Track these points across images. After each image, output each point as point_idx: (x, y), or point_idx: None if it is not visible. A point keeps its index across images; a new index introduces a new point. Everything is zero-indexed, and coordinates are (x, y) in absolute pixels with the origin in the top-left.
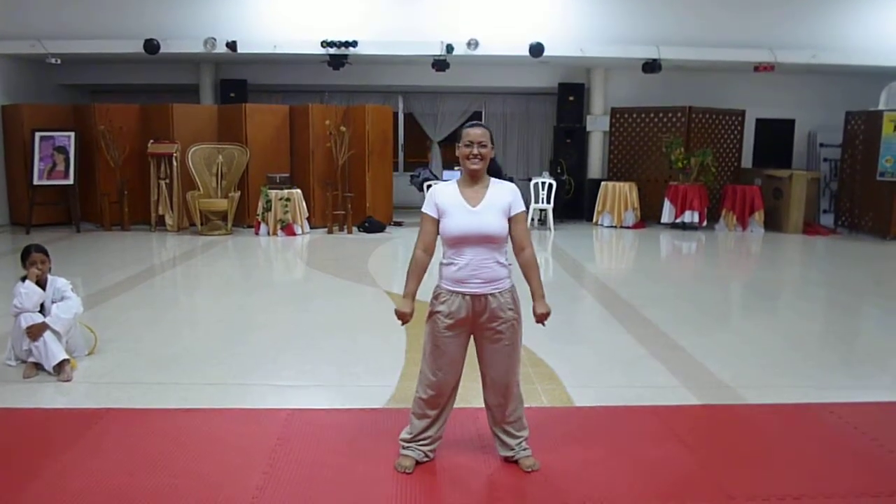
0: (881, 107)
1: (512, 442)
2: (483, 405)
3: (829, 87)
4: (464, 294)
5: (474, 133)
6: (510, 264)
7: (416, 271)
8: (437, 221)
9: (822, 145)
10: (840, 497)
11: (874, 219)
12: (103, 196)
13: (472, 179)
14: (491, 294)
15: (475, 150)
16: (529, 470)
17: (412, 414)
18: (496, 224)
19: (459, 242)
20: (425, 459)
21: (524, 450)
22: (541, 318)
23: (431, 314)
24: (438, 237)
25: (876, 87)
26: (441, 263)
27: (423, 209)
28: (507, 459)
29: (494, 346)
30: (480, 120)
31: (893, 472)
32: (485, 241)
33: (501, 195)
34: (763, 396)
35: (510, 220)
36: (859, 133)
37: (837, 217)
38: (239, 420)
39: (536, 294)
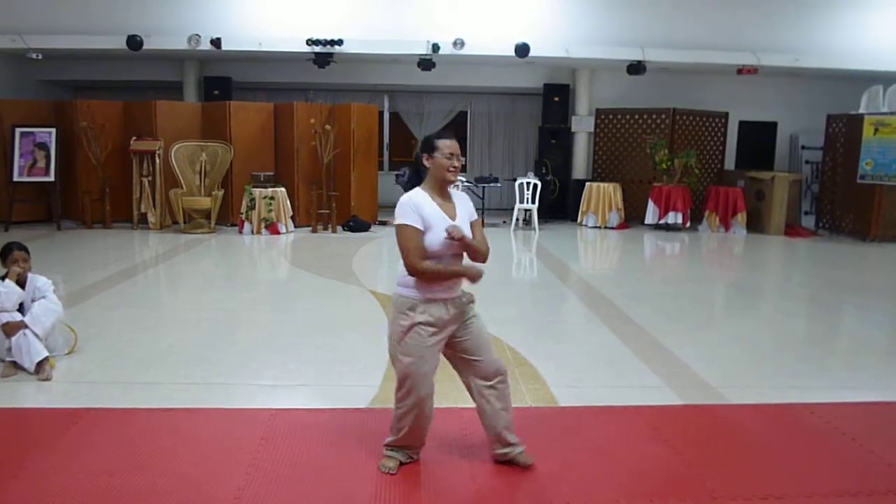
0: (862, 110)
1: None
2: (460, 407)
3: (811, 90)
4: (444, 300)
5: (454, 145)
6: None
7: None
8: (422, 232)
9: (803, 148)
10: (821, 496)
11: (855, 221)
12: (84, 193)
13: (444, 190)
14: (461, 293)
15: (455, 163)
16: (526, 465)
17: (396, 423)
18: (469, 234)
19: (442, 254)
20: (409, 461)
21: (520, 447)
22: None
23: (410, 328)
24: None
25: (857, 90)
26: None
27: (406, 221)
28: (500, 459)
29: (472, 328)
30: (466, 120)
31: (873, 471)
32: (461, 250)
33: (466, 205)
34: (745, 396)
35: (472, 225)
36: (840, 136)
37: (819, 219)
38: (222, 420)
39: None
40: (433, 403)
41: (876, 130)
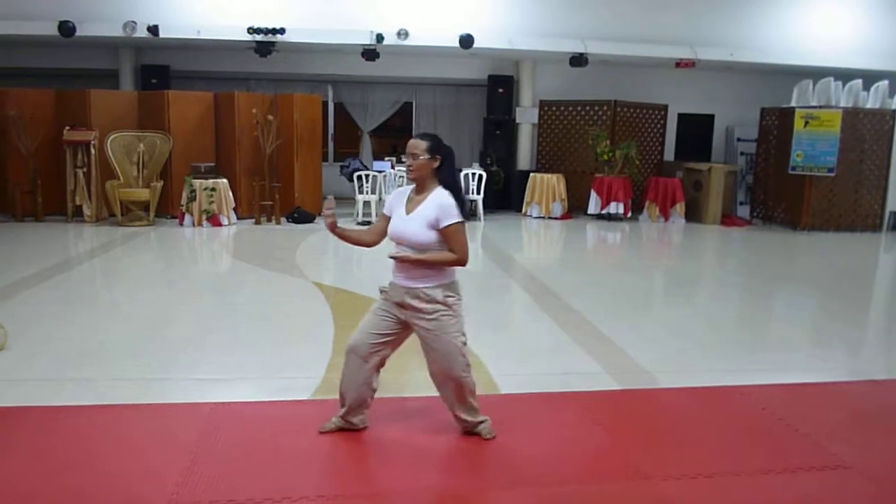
0: (793, 104)
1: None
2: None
3: (746, 84)
4: None
5: (409, 144)
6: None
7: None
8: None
9: (739, 140)
10: (749, 474)
11: (786, 210)
12: (15, 185)
13: (417, 187)
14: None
15: (408, 161)
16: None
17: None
18: (419, 234)
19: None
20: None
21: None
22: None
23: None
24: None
25: (788, 84)
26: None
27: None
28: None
29: None
30: (411, 111)
31: (798, 449)
32: (411, 246)
33: (428, 208)
34: (679, 380)
35: (441, 231)
36: (773, 128)
37: (753, 209)
38: (159, 416)
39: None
40: None
41: (806, 123)
